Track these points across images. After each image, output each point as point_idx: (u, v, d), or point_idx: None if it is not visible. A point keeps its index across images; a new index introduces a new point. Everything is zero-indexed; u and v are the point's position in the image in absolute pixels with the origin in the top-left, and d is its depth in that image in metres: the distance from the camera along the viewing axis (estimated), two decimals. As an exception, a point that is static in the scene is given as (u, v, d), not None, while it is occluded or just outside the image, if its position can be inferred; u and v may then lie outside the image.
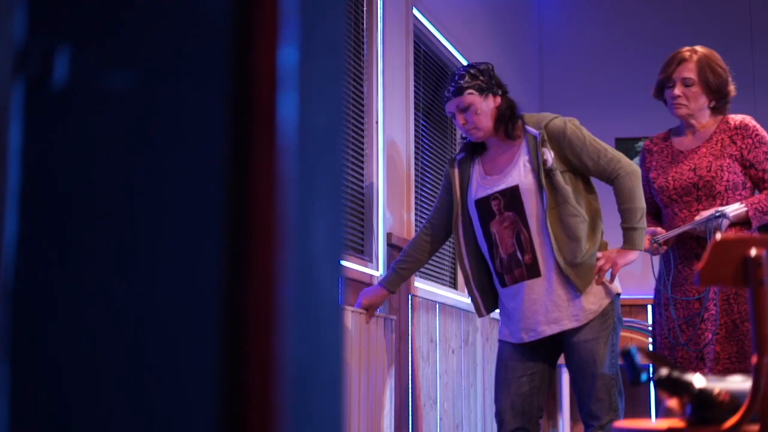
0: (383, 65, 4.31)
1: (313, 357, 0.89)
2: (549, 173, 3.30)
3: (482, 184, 3.43)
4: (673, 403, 1.95)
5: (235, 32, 0.83)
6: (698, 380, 1.93)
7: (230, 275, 0.83)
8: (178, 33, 0.85)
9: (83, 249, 0.83)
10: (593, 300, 3.32)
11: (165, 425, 0.82)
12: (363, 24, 4.25)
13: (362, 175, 4.16)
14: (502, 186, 3.37)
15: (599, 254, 3.33)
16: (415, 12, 4.79)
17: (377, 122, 4.23)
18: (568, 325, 3.31)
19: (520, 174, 3.35)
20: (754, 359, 1.86)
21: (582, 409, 3.37)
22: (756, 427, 1.86)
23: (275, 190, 0.83)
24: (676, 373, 1.92)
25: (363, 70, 4.22)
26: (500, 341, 3.52)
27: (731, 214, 3.42)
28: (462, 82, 3.39)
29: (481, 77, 3.40)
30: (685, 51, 3.61)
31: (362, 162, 4.16)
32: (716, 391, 1.92)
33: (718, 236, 1.92)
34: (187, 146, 0.84)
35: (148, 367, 0.83)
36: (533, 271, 3.34)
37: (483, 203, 3.42)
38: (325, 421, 0.91)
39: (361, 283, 3.90)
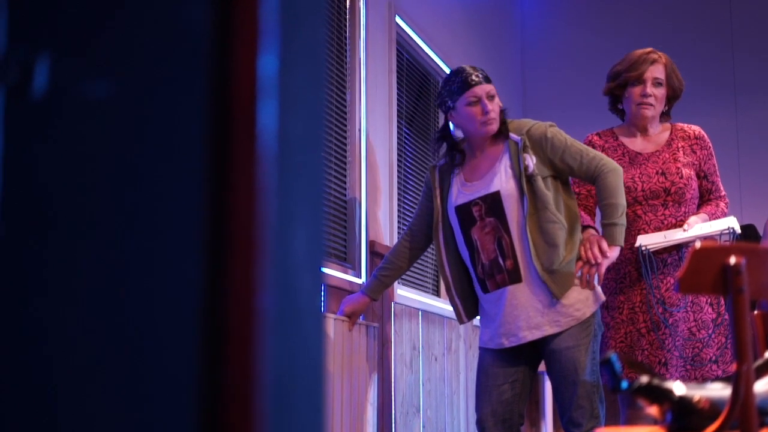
0: (366, 73, 4.31)
1: (293, 364, 0.89)
2: (530, 179, 3.31)
3: (462, 191, 3.44)
4: (653, 410, 1.96)
5: (215, 41, 0.84)
6: (678, 387, 1.94)
7: (210, 283, 0.83)
8: (158, 42, 0.85)
9: (62, 257, 0.83)
10: (578, 307, 3.32)
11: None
12: (345, 31, 4.26)
13: (345, 182, 4.16)
14: (483, 192, 3.38)
15: (583, 252, 3.34)
16: (398, 20, 4.79)
17: (360, 130, 4.24)
18: (549, 330, 3.32)
19: (501, 180, 3.36)
20: (734, 366, 1.87)
21: (563, 417, 3.37)
22: (736, 433, 1.87)
23: (255, 198, 0.83)
24: (656, 381, 1.93)
25: (346, 78, 4.23)
26: (481, 348, 3.52)
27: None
28: (485, 73, 3.45)
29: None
30: (653, 52, 3.62)
31: (345, 170, 4.16)
32: (696, 398, 1.93)
33: (698, 244, 1.93)
34: (166, 155, 0.84)
35: (129, 373, 0.83)
36: (515, 277, 3.35)
37: (464, 209, 3.43)
38: (306, 429, 0.91)
39: (343, 291, 3.90)
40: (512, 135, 3.40)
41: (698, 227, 3.46)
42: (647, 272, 3.46)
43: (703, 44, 6.91)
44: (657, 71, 3.58)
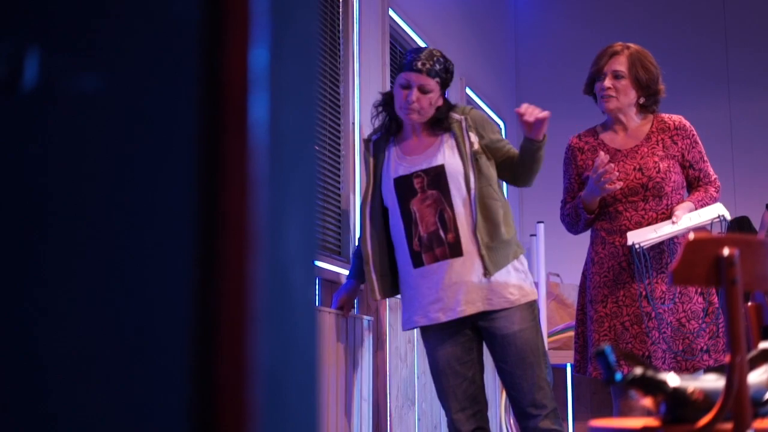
0: (359, 66, 4.31)
1: (287, 359, 0.89)
2: (474, 156, 3.36)
3: (402, 163, 3.45)
4: (647, 401, 1.96)
5: (206, 34, 0.83)
6: (672, 379, 1.94)
7: (202, 277, 0.83)
8: (148, 35, 0.84)
9: (52, 254, 0.83)
10: (512, 291, 3.37)
11: (138, 427, 0.82)
12: (339, 25, 4.25)
13: (339, 176, 4.16)
14: (425, 165, 3.41)
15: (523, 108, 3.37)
16: (391, 13, 4.79)
17: (353, 123, 4.23)
18: (482, 307, 3.35)
19: (444, 155, 3.40)
20: (727, 358, 1.88)
21: (522, 401, 3.37)
22: (729, 425, 1.88)
23: (247, 192, 0.82)
24: (650, 372, 1.94)
25: (339, 71, 4.22)
26: (423, 330, 3.50)
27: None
28: (438, 67, 3.42)
29: (447, 75, 3.46)
30: (617, 45, 3.62)
31: (339, 163, 4.16)
32: (690, 389, 1.94)
33: (691, 236, 1.93)
34: (157, 149, 0.84)
35: (121, 368, 0.82)
36: (456, 250, 3.36)
37: (404, 181, 3.43)
38: (299, 423, 0.91)
39: (337, 284, 3.91)
40: (455, 115, 3.43)
41: (686, 218, 3.44)
42: (642, 270, 3.43)
43: (696, 37, 6.92)
44: (617, 63, 3.57)
